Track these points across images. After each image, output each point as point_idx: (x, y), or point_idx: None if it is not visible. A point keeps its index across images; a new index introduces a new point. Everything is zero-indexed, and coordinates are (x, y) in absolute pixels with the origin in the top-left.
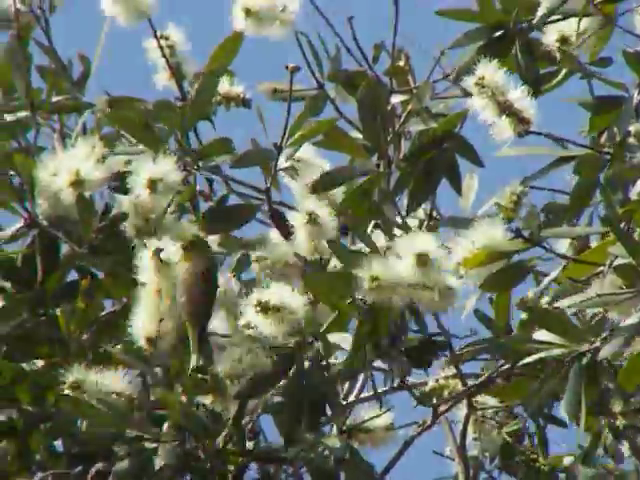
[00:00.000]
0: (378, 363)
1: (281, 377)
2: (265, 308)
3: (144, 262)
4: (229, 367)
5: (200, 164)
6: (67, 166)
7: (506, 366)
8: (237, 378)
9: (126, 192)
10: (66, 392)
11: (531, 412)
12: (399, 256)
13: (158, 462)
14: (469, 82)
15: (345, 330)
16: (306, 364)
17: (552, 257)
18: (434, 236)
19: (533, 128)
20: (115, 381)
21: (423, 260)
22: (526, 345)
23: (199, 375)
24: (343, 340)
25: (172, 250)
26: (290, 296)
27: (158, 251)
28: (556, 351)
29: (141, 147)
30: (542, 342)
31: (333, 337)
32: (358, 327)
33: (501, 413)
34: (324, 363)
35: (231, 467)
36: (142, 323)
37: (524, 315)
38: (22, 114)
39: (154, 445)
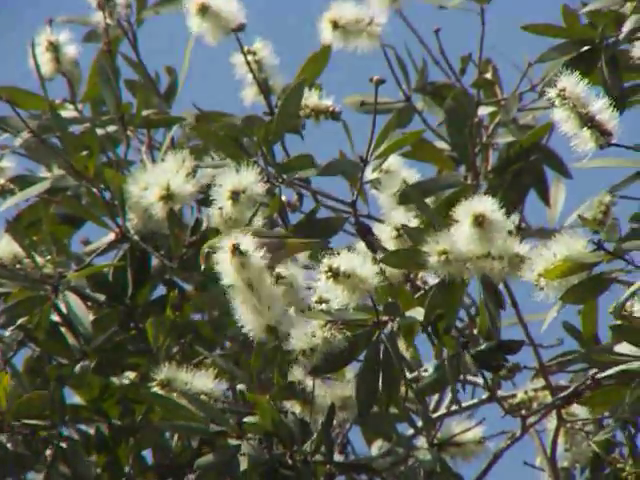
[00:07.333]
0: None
1: (356, 354)
2: (336, 274)
3: (224, 265)
4: (302, 342)
5: (284, 177)
6: (157, 180)
7: (593, 374)
8: (311, 353)
9: (211, 205)
10: (155, 390)
11: (619, 421)
12: (458, 222)
13: (243, 462)
14: (551, 94)
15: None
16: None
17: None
18: (491, 200)
19: (616, 140)
20: (205, 382)
21: (479, 221)
22: (609, 357)
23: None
24: (417, 314)
25: (247, 242)
26: (361, 264)
27: (236, 246)
28: (636, 364)
29: (227, 160)
30: (622, 354)
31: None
32: (428, 303)
33: (590, 425)
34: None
35: (319, 478)
36: (252, 317)
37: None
38: (112, 128)
39: (237, 442)
